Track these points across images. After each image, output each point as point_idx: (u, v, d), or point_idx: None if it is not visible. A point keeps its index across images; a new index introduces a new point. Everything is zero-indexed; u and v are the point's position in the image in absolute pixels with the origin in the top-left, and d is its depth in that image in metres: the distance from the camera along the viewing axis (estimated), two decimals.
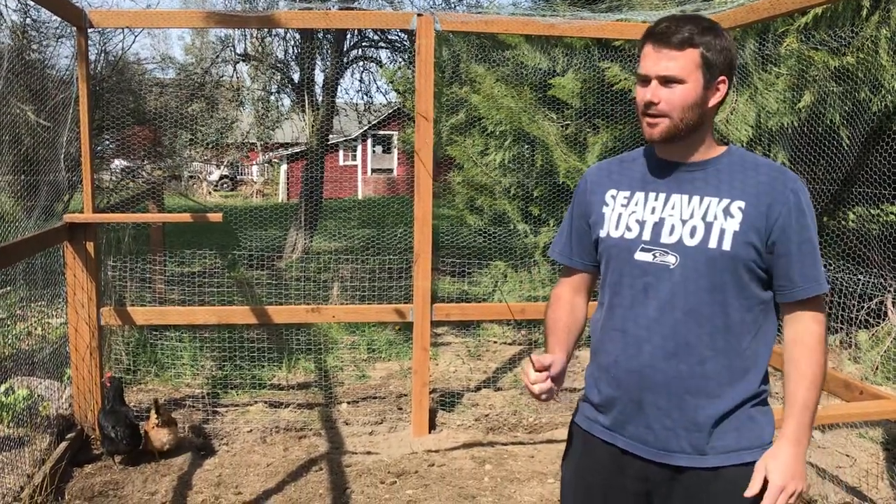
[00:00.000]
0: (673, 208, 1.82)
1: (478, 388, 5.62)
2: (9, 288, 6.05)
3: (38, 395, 4.58)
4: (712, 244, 1.76)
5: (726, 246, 1.75)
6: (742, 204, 1.76)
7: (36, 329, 5.82)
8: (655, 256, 1.82)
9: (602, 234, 1.93)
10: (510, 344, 6.85)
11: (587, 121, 6.41)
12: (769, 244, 1.77)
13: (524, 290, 6.70)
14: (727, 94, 1.83)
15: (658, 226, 1.83)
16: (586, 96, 6.25)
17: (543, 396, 1.85)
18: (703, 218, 1.78)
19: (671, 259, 1.80)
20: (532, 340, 6.73)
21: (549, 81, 6.46)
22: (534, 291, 6.62)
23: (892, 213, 5.54)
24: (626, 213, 1.89)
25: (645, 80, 1.78)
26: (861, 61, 4.89)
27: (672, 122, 1.77)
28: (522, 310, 5.13)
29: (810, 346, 1.80)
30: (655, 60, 1.75)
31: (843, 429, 4.60)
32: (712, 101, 1.79)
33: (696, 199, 1.81)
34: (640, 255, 1.84)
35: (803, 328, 1.81)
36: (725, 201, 1.78)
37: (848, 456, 4.31)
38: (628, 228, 1.87)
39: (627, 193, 1.91)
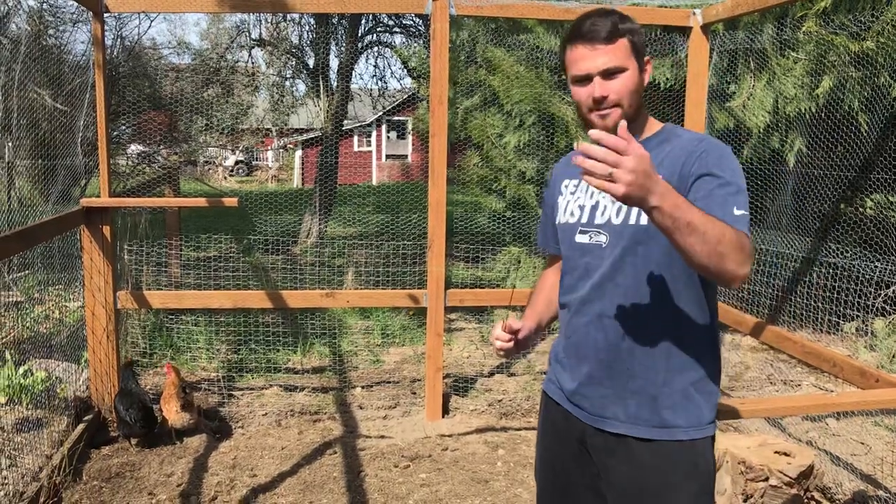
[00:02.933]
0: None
1: (491, 374, 5.64)
2: (27, 271, 6.11)
3: (56, 378, 4.63)
4: (632, 220, 1.84)
5: (644, 220, 1.80)
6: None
7: (54, 312, 5.88)
8: (591, 237, 1.93)
9: (556, 220, 2.07)
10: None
11: None
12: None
13: (538, 275, 6.69)
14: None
15: (594, 209, 1.93)
16: None
17: (501, 353, 2.02)
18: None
19: (602, 238, 1.90)
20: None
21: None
22: None
23: None
24: (572, 200, 2.01)
25: (585, 80, 1.83)
26: (882, 46, 4.83)
27: (623, 109, 1.83)
28: None
29: (729, 227, 1.63)
30: (593, 57, 1.80)
31: (858, 416, 4.58)
32: (645, 82, 1.88)
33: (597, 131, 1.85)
34: (579, 238, 1.96)
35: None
36: None
37: (863, 444, 4.30)
38: (571, 214, 1.99)
39: (576, 181, 2.02)
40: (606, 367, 1.90)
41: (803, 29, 5.11)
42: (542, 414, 2.15)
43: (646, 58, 1.88)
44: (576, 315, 1.97)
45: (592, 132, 1.49)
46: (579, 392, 1.96)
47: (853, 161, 5.09)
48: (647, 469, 1.87)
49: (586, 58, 1.81)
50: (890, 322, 5.48)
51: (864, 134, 4.96)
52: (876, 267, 4.94)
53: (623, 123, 1.63)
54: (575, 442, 1.99)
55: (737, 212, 1.70)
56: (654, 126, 1.94)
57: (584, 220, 1.94)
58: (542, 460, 2.15)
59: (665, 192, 1.49)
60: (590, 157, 1.44)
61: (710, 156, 1.78)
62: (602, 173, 1.43)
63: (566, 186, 2.06)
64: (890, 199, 5.46)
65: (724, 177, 1.75)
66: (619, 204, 1.85)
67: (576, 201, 1.99)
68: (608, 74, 1.80)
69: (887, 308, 5.40)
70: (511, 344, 2.00)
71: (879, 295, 5.31)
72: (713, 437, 1.92)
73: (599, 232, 1.90)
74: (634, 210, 1.82)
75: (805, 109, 5.22)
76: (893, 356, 5.30)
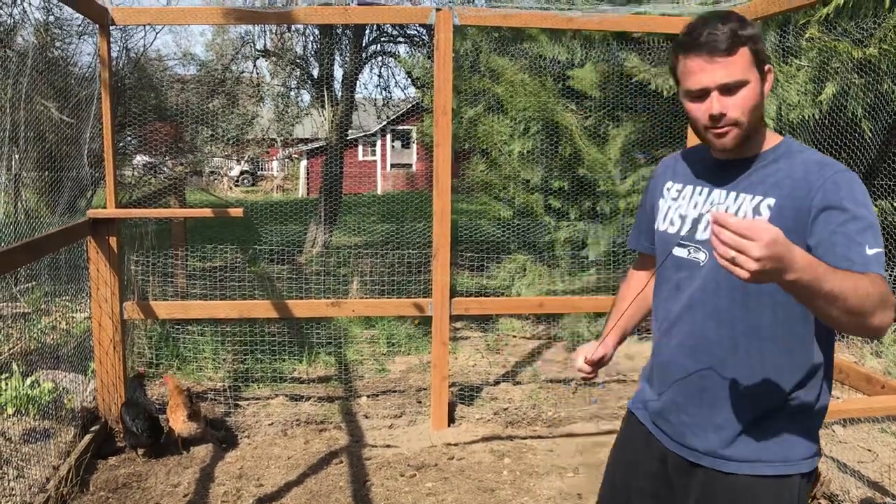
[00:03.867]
0: (712, 204, 1.80)
1: (497, 382, 5.63)
2: (34, 283, 6.14)
3: (63, 388, 4.65)
4: None
5: None
6: (772, 201, 1.69)
7: (60, 323, 5.90)
8: (689, 253, 1.82)
9: (656, 226, 1.97)
10: (529, 338, 6.85)
11: (607, 113, 6.39)
12: (805, 244, 1.63)
13: (543, 284, 6.69)
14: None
15: (696, 221, 1.82)
16: (606, 88, 6.23)
17: (583, 377, 2.05)
18: (735, 215, 1.72)
19: (702, 256, 1.79)
20: (551, 335, 6.73)
21: (567, 73, 6.45)
22: (553, 286, 6.61)
23: None
24: (673, 207, 1.90)
25: (701, 95, 1.69)
26: (884, 52, 4.84)
27: (742, 127, 1.70)
28: (541, 304, 5.13)
29: (867, 278, 1.54)
30: (712, 71, 1.65)
31: (864, 423, 4.57)
32: (767, 91, 1.73)
33: (732, 195, 1.77)
34: (677, 251, 1.85)
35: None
36: (758, 198, 1.72)
37: (870, 451, 4.29)
38: (671, 223, 1.89)
39: (680, 186, 1.92)
40: (691, 395, 1.82)
41: (806, 36, 5.12)
42: (623, 430, 2.08)
43: (766, 66, 1.71)
44: (665, 335, 1.89)
45: (713, 214, 1.37)
46: (662, 416, 1.90)
47: (857, 168, 5.08)
48: (722, 499, 1.78)
49: (704, 71, 1.66)
50: None
51: (868, 140, 4.96)
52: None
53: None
54: (656, 462, 1.93)
55: (869, 251, 1.57)
56: (772, 139, 1.79)
57: (685, 232, 1.84)
58: (613, 472, 2.08)
59: (802, 265, 1.37)
60: (722, 228, 1.34)
61: (836, 185, 1.63)
62: (726, 256, 1.34)
63: (668, 189, 1.95)
64: (894, 205, 5.46)
65: (852, 210, 1.60)
66: None
67: (677, 209, 1.88)
68: (727, 89, 1.66)
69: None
70: (593, 373, 2.04)
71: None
72: (808, 474, 1.79)
73: (699, 249, 1.79)
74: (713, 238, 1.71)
75: (808, 116, 5.22)
76: None
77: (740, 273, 1.34)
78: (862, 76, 4.95)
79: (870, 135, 4.97)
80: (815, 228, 1.62)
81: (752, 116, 1.69)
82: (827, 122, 5.16)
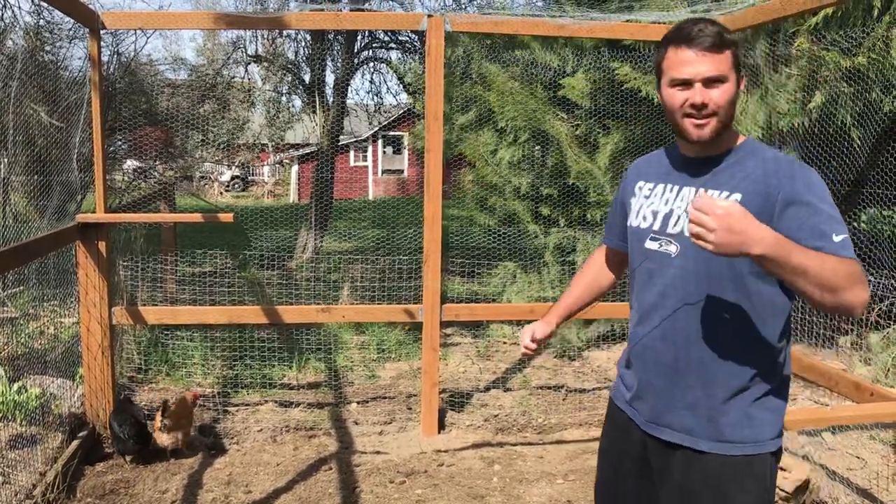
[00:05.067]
0: (682, 200, 1.93)
1: (487, 389, 5.63)
2: (22, 287, 6.10)
3: (51, 394, 4.62)
4: None
5: None
6: (738, 196, 1.81)
7: (48, 328, 5.86)
8: (661, 245, 1.95)
9: (628, 222, 2.09)
10: (519, 344, 6.83)
11: (598, 121, 6.40)
12: None
13: (533, 290, 6.69)
14: None
15: (667, 216, 1.94)
16: (597, 96, 6.25)
17: (524, 354, 2.26)
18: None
19: (673, 248, 1.92)
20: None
21: (559, 81, 6.46)
22: (543, 292, 6.61)
23: None
24: (645, 205, 2.02)
25: (686, 84, 1.83)
26: (872, 61, 4.87)
27: (719, 119, 1.83)
28: (531, 310, 5.13)
29: (836, 257, 1.67)
30: (699, 63, 1.80)
31: (853, 431, 4.58)
32: (738, 96, 1.88)
33: (701, 191, 1.89)
34: (649, 244, 1.98)
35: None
36: (725, 194, 1.84)
37: (859, 458, 4.30)
38: (644, 218, 2.01)
39: (651, 185, 2.04)
40: (664, 377, 1.94)
41: (795, 45, 5.15)
42: (607, 418, 2.21)
43: (742, 73, 1.88)
44: (640, 323, 2.01)
45: (695, 200, 1.58)
46: (638, 397, 2.02)
47: (846, 176, 5.11)
48: (699, 480, 1.89)
49: (691, 62, 1.81)
50: (885, 336, 5.49)
51: (857, 149, 4.99)
52: (870, 281, 4.95)
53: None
54: (637, 446, 2.04)
55: (836, 238, 1.70)
56: (737, 139, 1.93)
57: (657, 227, 1.96)
58: (605, 461, 2.20)
59: (767, 240, 1.55)
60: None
61: (798, 181, 1.78)
62: (691, 231, 1.57)
63: (640, 188, 2.07)
64: (883, 213, 5.49)
65: (815, 203, 1.75)
66: None
67: (649, 206, 2.01)
68: (710, 82, 1.81)
69: (882, 322, 5.42)
70: (537, 351, 2.25)
71: (874, 309, 5.32)
72: (775, 453, 1.91)
73: (671, 241, 1.92)
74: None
75: (798, 124, 5.25)
76: (889, 370, 5.31)
77: (705, 245, 1.56)
78: (851, 85, 4.98)
79: (859, 143, 5.00)
80: (781, 224, 1.74)
81: (728, 111, 1.84)
82: (816, 130, 5.18)
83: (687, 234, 1.59)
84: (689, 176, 1.94)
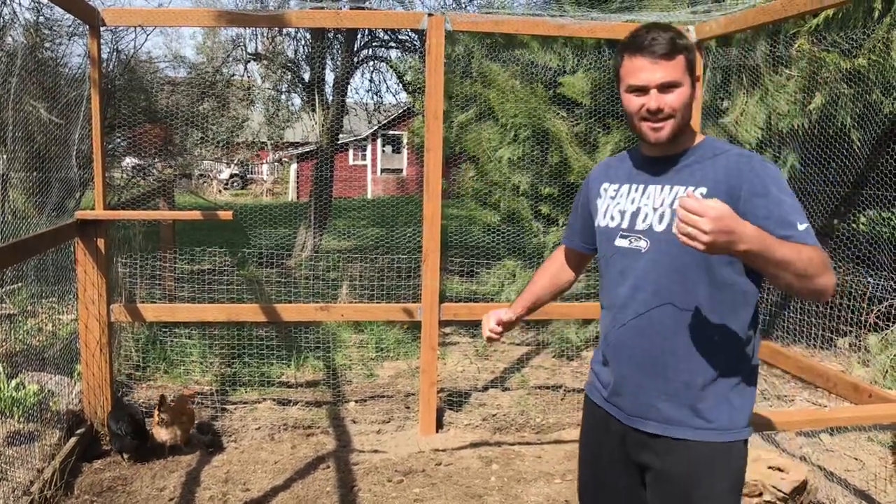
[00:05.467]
0: (648, 198, 2.00)
1: (485, 388, 5.63)
2: (20, 284, 6.09)
3: (49, 391, 4.61)
4: (674, 228, 1.84)
5: None
6: (704, 190, 1.89)
7: (47, 325, 5.86)
8: (631, 242, 2.01)
9: (596, 223, 2.15)
10: (518, 344, 6.85)
11: (598, 120, 6.40)
12: None
13: None
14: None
15: (635, 214, 2.01)
16: (597, 95, 6.24)
17: (490, 340, 2.28)
18: (671, 205, 1.94)
19: (643, 244, 1.98)
20: (540, 341, 6.73)
21: (558, 80, 6.46)
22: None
23: None
24: (612, 204, 2.09)
25: (641, 90, 1.91)
26: (873, 63, 4.87)
27: (675, 121, 1.91)
28: None
29: (806, 246, 1.75)
30: (653, 70, 1.88)
31: (851, 432, 4.58)
32: (694, 98, 1.96)
33: (666, 188, 1.97)
34: (619, 241, 2.04)
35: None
36: (690, 189, 1.92)
37: (857, 459, 4.30)
38: (612, 218, 2.07)
39: (616, 186, 2.11)
40: (642, 370, 1.98)
41: (796, 46, 5.15)
42: (585, 416, 2.23)
43: (696, 75, 1.95)
44: (613, 320, 2.06)
45: (679, 199, 1.64)
46: (616, 393, 2.05)
47: (846, 177, 5.12)
48: (680, 466, 1.95)
49: (645, 69, 1.89)
50: (883, 337, 5.49)
51: (857, 150, 4.99)
52: (869, 283, 4.96)
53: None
54: (616, 442, 2.07)
55: (801, 226, 1.80)
56: (695, 138, 2.02)
57: (626, 225, 2.02)
58: (584, 459, 2.24)
59: (752, 236, 1.62)
60: (681, 208, 1.60)
61: (759, 175, 1.86)
62: (683, 232, 1.61)
63: (605, 190, 2.13)
64: (882, 215, 5.49)
65: (778, 194, 1.84)
66: (660, 211, 1.95)
67: (616, 206, 2.07)
68: (664, 88, 1.89)
69: (880, 323, 5.42)
70: (500, 336, 2.26)
71: (872, 310, 5.32)
72: (747, 440, 1.98)
73: (640, 237, 1.99)
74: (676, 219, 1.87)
75: (798, 126, 5.25)
76: (887, 372, 5.31)
77: (696, 245, 1.60)
78: (851, 86, 4.98)
79: (858, 145, 5.00)
80: (747, 216, 1.77)
81: (684, 113, 1.92)
82: (816, 131, 5.19)
83: (675, 231, 1.63)
84: (651, 175, 2.02)
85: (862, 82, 4.95)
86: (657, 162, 2.02)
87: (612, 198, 2.09)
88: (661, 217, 1.94)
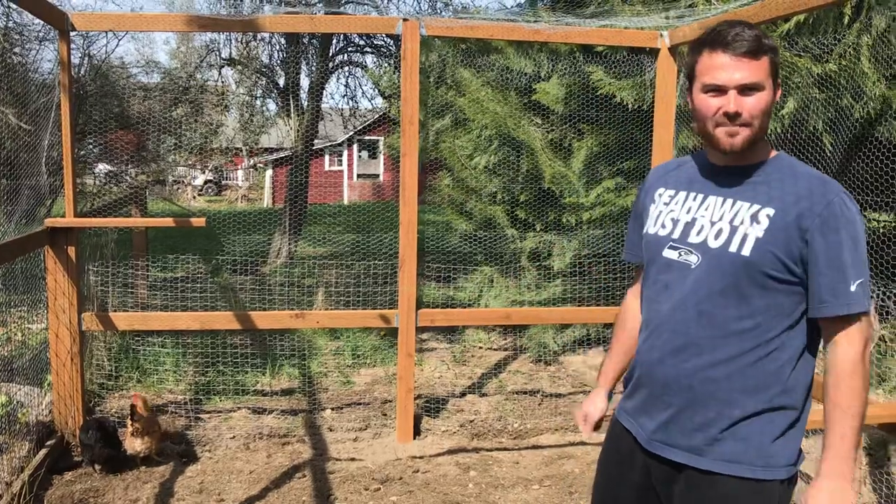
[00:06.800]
0: (706, 209, 1.85)
1: (463, 394, 5.61)
2: None
3: (18, 402, 4.52)
4: (733, 248, 1.76)
5: (746, 251, 1.74)
6: (771, 212, 1.74)
7: (16, 334, 5.75)
8: (680, 255, 1.85)
9: (645, 229, 1.99)
10: (496, 349, 6.84)
11: (572, 126, 6.42)
12: (800, 258, 1.73)
13: (510, 295, 6.69)
14: None
15: (689, 225, 1.85)
16: (570, 101, 6.26)
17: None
18: (731, 221, 1.78)
19: (693, 258, 1.82)
20: (518, 346, 6.73)
21: (533, 86, 6.47)
22: (519, 296, 6.61)
23: (875, 219, 5.58)
24: (665, 211, 1.93)
25: (719, 90, 1.74)
26: (843, 68, 4.92)
27: (753, 129, 1.75)
28: (507, 315, 5.12)
29: (841, 373, 1.72)
30: (734, 69, 1.71)
31: None
32: (773, 105, 1.80)
33: (728, 202, 1.81)
34: (667, 252, 1.88)
35: (837, 353, 1.74)
36: (756, 207, 1.77)
37: None
38: (663, 226, 1.91)
39: (672, 192, 1.95)
40: (677, 394, 1.83)
41: None
42: (609, 439, 2.09)
43: (778, 80, 1.80)
44: (651, 335, 1.91)
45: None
46: (644, 412, 1.92)
47: None
48: (707, 502, 1.80)
49: (726, 68, 1.72)
50: None
51: (829, 155, 5.04)
52: None
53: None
54: (639, 469, 1.94)
55: (853, 287, 1.69)
56: (769, 151, 1.86)
57: (677, 235, 1.87)
58: (602, 486, 2.09)
59: (850, 474, 1.71)
60: None
61: (833, 214, 1.71)
62: None
63: (660, 195, 1.98)
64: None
65: (841, 241, 1.70)
66: (719, 226, 1.80)
67: (669, 213, 1.92)
68: (745, 90, 1.72)
69: None
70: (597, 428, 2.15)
71: (872, 333, 5.36)
72: (788, 481, 1.83)
73: (691, 251, 1.82)
74: (738, 237, 1.76)
75: (771, 130, 5.29)
76: None
77: None
78: (822, 91, 5.03)
79: (830, 149, 5.05)
80: (811, 250, 1.71)
81: (763, 121, 1.75)
82: (789, 136, 5.23)
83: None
84: (716, 185, 1.86)
85: (833, 87, 5.00)
86: (724, 172, 1.85)
87: (666, 204, 1.93)
88: (719, 233, 1.78)
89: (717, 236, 1.79)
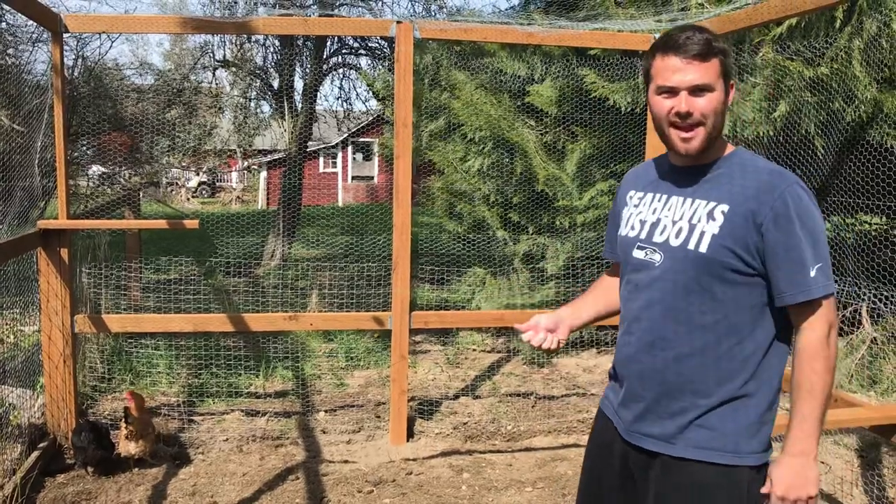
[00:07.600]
0: (669, 209, 1.93)
1: (456, 396, 5.61)
2: None
3: (10, 404, 4.51)
4: (692, 245, 1.83)
5: (703, 248, 1.81)
6: (725, 208, 1.81)
7: (8, 337, 5.74)
8: (646, 254, 1.93)
9: (618, 232, 2.08)
10: (489, 352, 6.84)
11: (565, 128, 6.43)
12: (757, 251, 1.79)
13: (503, 297, 6.70)
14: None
15: (654, 226, 1.94)
16: (564, 104, 6.27)
17: (540, 344, 2.10)
18: (690, 220, 1.86)
19: (657, 257, 1.90)
20: (510, 348, 6.73)
21: (527, 89, 6.48)
22: (512, 299, 6.62)
23: (866, 222, 5.60)
24: (635, 213, 2.02)
25: (671, 92, 1.82)
26: (835, 72, 4.95)
27: (706, 130, 1.82)
28: (501, 317, 5.13)
29: (803, 356, 1.81)
30: (685, 71, 1.79)
31: None
32: (727, 105, 1.87)
33: (688, 201, 1.90)
34: (636, 253, 1.96)
35: (801, 338, 1.82)
36: (712, 204, 1.84)
37: (823, 463, 4.34)
38: (632, 228, 2.00)
39: (641, 194, 2.04)
40: (650, 388, 1.91)
41: (760, 54, 5.21)
42: (594, 428, 2.18)
43: (731, 81, 1.86)
44: (626, 332, 2.00)
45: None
46: (624, 405, 1.99)
47: (810, 184, 5.18)
48: (673, 486, 1.88)
49: (678, 70, 1.79)
50: (848, 342, 5.57)
51: (821, 157, 5.06)
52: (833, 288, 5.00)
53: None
54: (619, 456, 2.02)
55: (812, 272, 1.76)
56: (725, 148, 1.92)
57: (643, 235, 1.95)
58: (588, 470, 2.17)
59: (813, 445, 1.79)
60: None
61: (785, 204, 1.77)
62: None
63: (631, 197, 2.07)
64: (847, 221, 5.57)
65: (797, 230, 1.76)
66: (679, 225, 1.87)
67: (638, 215, 2.00)
68: (696, 91, 1.79)
69: (845, 328, 5.49)
70: (544, 334, 2.10)
71: (837, 316, 5.39)
72: (758, 468, 1.87)
73: (655, 250, 1.91)
74: (695, 235, 1.83)
75: (763, 133, 5.31)
76: (852, 376, 5.38)
77: None
78: (814, 94, 5.05)
79: (822, 152, 5.07)
80: (766, 242, 1.77)
81: (716, 121, 1.82)
82: (781, 139, 5.25)
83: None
84: (676, 186, 1.94)
85: (825, 90, 5.02)
86: (683, 172, 1.94)
87: (636, 206, 2.02)
88: (679, 231, 1.86)
89: (677, 235, 1.87)
